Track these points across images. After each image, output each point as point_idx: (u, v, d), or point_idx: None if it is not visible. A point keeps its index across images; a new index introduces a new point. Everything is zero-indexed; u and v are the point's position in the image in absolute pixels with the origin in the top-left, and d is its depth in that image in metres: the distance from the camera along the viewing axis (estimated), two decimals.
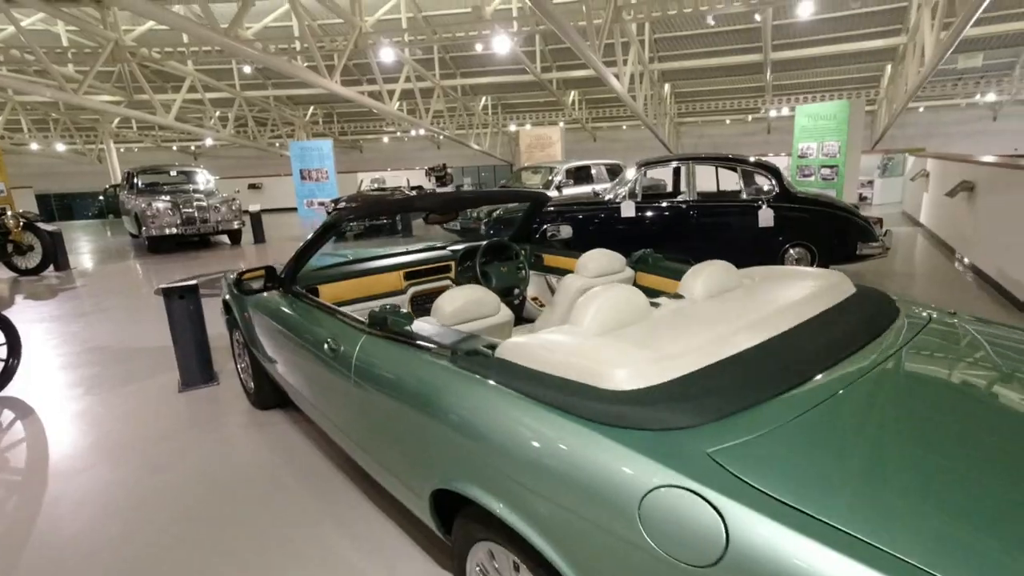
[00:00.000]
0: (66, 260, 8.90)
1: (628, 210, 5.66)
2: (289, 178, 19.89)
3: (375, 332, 1.85)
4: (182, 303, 3.68)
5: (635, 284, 2.71)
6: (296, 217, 16.29)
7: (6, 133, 19.45)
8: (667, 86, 21.01)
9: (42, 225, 8.54)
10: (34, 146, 20.84)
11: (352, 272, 2.96)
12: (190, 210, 9.98)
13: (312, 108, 23.33)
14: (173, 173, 11.20)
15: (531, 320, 3.47)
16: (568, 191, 9.72)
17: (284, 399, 3.24)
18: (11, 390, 3.85)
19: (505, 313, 2.14)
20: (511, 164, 29.34)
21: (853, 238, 5.37)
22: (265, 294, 2.73)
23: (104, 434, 3.16)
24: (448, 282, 3.30)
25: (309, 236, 2.51)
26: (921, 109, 23.07)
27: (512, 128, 24.70)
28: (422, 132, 24.44)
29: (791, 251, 5.52)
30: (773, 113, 20.72)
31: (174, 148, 26.26)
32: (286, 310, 2.48)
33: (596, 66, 8.84)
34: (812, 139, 9.53)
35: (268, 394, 3.24)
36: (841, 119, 8.99)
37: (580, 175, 10.14)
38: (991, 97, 20.29)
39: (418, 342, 1.67)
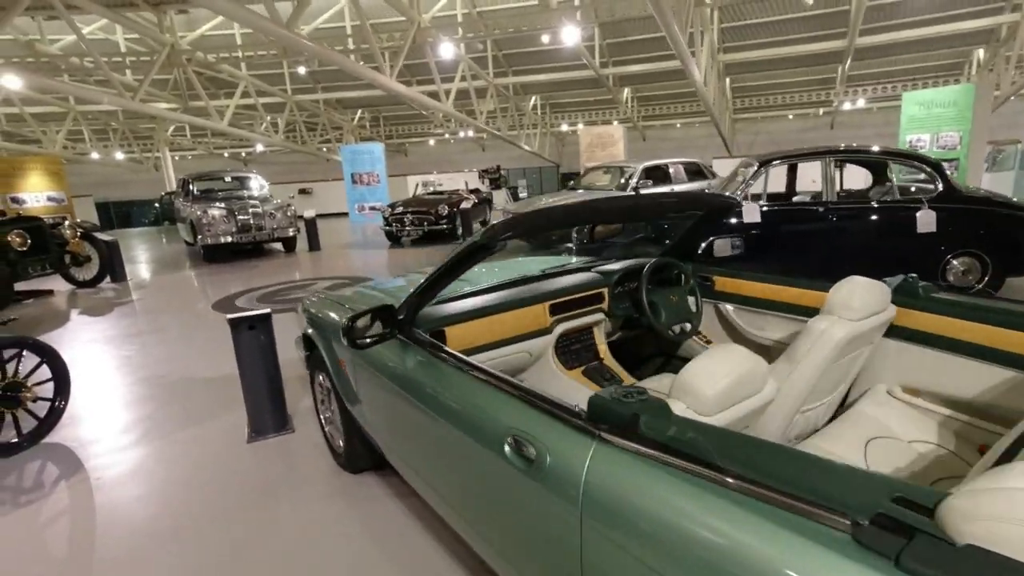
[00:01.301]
0: (123, 271, 8.59)
1: (752, 214, 4.79)
2: (339, 183, 19.68)
3: (615, 437, 1.09)
4: (251, 335, 3.05)
5: (895, 325, 1.90)
6: (347, 223, 15.93)
7: (68, 143, 19.86)
8: (727, 79, 19.81)
9: (99, 235, 8.25)
10: (95, 155, 21.27)
11: (482, 307, 2.23)
12: (245, 217, 9.59)
13: (360, 112, 23.12)
14: (228, 179, 10.89)
15: (684, 358, 2.68)
16: (646, 192, 8.86)
17: (381, 461, 2.55)
18: (56, 435, 3.31)
19: (771, 389, 1.37)
20: (557, 165, 28.60)
21: None
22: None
23: (163, 502, 2.54)
24: (601, 316, 2.55)
25: (445, 262, 1.80)
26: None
27: (564, 128, 23.92)
28: (470, 134, 23.92)
29: (954, 262, 4.55)
30: (848, 106, 19.23)
31: (226, 155, 26.55)
32: (412, 369, 1.77)
33: (683, 55, 7.97)
34: (924, 130, 8.40)
35: (362, 456, 2.56)
36: (964, 105, 7.84)
37: (656, 175, 9.26)
38: None
39: (725, 474, 0.91)
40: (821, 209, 4.70)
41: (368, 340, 1.79)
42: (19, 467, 2.95)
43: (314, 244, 10.61)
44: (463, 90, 13.78)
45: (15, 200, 13.09)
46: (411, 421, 1.80)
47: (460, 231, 10.50)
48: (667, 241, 3.00)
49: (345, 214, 17.00)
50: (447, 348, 1.73)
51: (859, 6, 10.66)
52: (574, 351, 2.48)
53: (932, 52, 16.73)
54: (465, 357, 1.65)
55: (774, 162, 4.89)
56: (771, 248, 4.81)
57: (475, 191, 12.67)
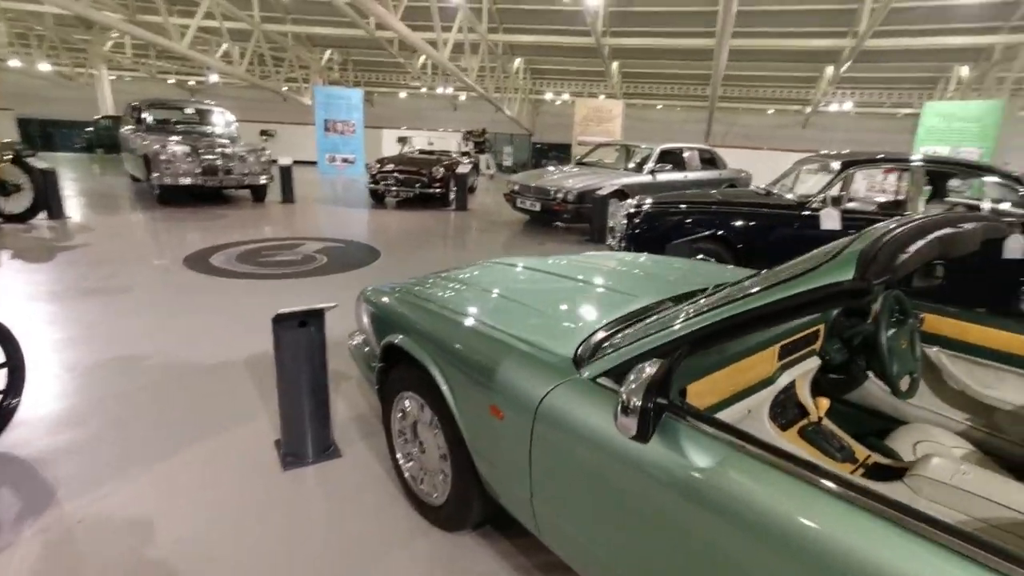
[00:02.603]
0: (60, 206, 7.29)
1: (831, 222, 4.34)
2: (303, 128, 18.08)
3: None
4: (301, 334, 2.29)
5: None
6: (314, 174, 14.59)
7: None
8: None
9: (33, 161, 6.90)
10: (13, 63, 18.52)
11: (725, 352, 1.60)
12: (212, 157, 8.37)
13: (329, 52, 21.27)
14: (189, 111, 9.52)
15: (883, 415, 2.17)
16: (662, 177, 8.35)
17: (496, 516, 1.92)
18: (6, 441, 2.45)
19: None
20: (530, 134, 27.69)
21: None
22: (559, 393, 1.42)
23: (189, 568, 1.80)
24: (816, 360, 1.97)
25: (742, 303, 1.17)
26: None
27: (549, 96, 22.98)
28: (449, 91, 22.56)
29: None
30: (835, 107, 19.33)
31: (170, 81, 23.92)
32: (695, 467, 1.13)
33: (723, 33, 7.36)
34: (943, 143, 8.27)
35: (472, 513, 1.91)
36: (989, 123, 7.71)
37: (670, 159, 8.74)
38: None
39: None
40: None
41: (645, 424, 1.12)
42: None
43: (288, 195, 9.48)
44: (458, 43, 12.68)
45: None
46: (663, 539, 1.18)
47: (453, 197, 9.64)
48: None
49: (309, 163, 15.62)
50: (783, 446, 1.10)
51: (864, 6, 10.33)
52: (778, 403, 1.90)
53: (913, 64, 16.90)
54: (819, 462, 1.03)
55: (860, 165, 4.43)
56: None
57: (466, 154, 11.77)
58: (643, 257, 3.00)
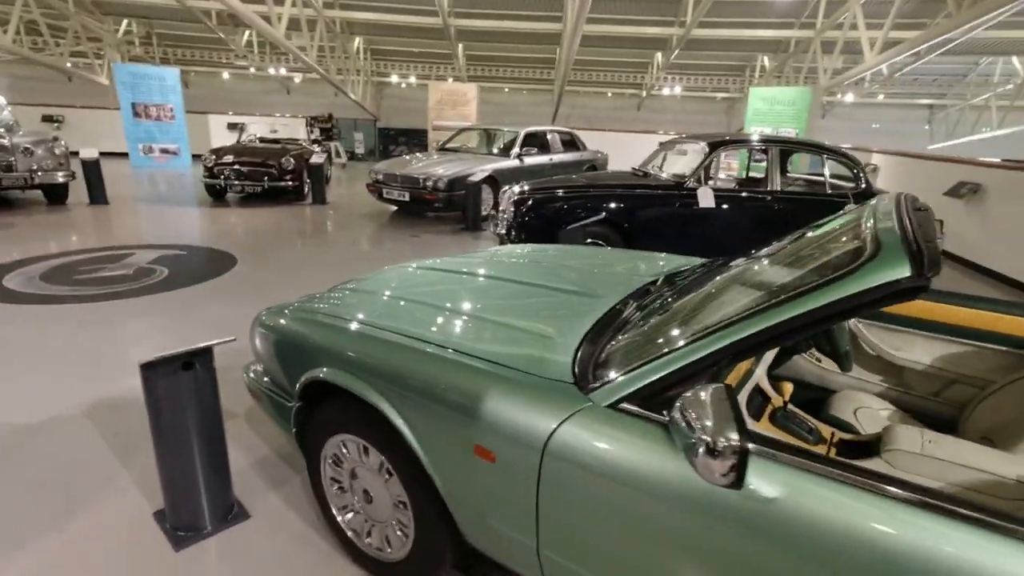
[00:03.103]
0: None
1: (707, 199, 4.61)
2: (102, 113, 15.31)
3: None
4: (185, 379, 1.79)
5: None
6: (126, 167, 12.38)
7: None
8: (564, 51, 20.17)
9: None
10: None
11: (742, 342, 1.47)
12: None
13: (126, 23, 18.19)
14: None
15: (815, 386, 2.27)
16: (529, 160, 8.38)
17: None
18: None
19: None
20: (375, 119, 26.51)
21: None
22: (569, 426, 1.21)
23: None
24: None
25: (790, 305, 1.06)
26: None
27: (394, 78, 22.07)
28: (282, 71, 20.61)
29: None
30: (667, 91, 21.10)
31: None
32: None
33: (578, 16, 7.50)
34: (767, 124, 9.38)
35: (447, 563, 1.63)
36: (801, 106, 8.90)
37: (534, 142, 8.81)
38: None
39: None
40: (769, 198, 4.73)
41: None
42: None
43: (98, 196, 7.87)
44: (292, 18, 11.49)
45: None
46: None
47: (308, 190, 8.77)
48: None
49: (117, 155, 13.25)
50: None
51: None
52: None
53: (729, 52, 19.06)
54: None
55: (727, 146, 4.76)
56: (722, 236, 4.70)
57: (316, 142, 10.77)
58: (553, 249, 2.85)
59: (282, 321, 1.94)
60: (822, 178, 4.90)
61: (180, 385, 1.80)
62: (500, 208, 5.17)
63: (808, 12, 13.22)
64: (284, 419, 1.93)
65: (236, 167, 8.10)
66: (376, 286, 2.21)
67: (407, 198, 7.38)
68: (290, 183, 8.27)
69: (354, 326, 1.75)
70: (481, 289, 2.10)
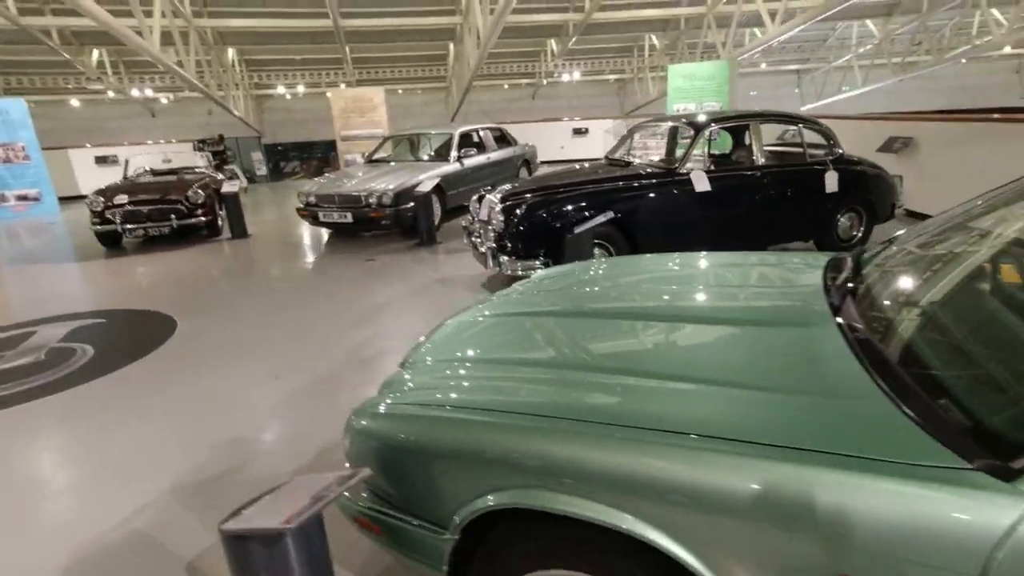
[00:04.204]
0: None
1: (701, 182, 4.42)
2: None
3: None
4: (288, 546, 1.21)
5: None
6: None
7: None
8: (452, 46, 19.66)
9: None
10: None
11: None
12: None
13: None
14: None
15: None
16: (469, 162, 7.89)
17: None
18: None
19: None
20: (259, 136, 24.54)
21: (891, 196, 5.17)
22: None
23: None
24: None
25: None
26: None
27: (280, 89, 20.43)
28: (148, 93, 18.40)
29: (842, 218, 5.04)
30: (566, 77, 21.23)
31: None
32: None
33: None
34: (689, 100, 9.52)
35: None
36: (721, 80, 9.10)
37: (468, 143, 8.32)
38: None
39: None
40: (758, 173, 4.62)
41: None
42: None
43: None
44: (164, 31, 10.04)
45: None
46: None
47: (223, 224, 7.66)
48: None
49: None
50: None
51: None
52: None
53: (618, 35, 19.47)
54: None
55: (720, 122, 4.60)
56: (718, 218, 4.54)
57: (217, 167, 9.54)
58: (625, 265, 2.46)
59: (406, 428, 1.40)
60: (799, 149, 4.89)
61: (285, 555, 1.21)
62: (480, 219, 4.68)
63: None
64: (425, 556, 1.40)
65: (133, 208, 6.88)
66: (487, 351, 1.72)
67: (349, 219, 6.63)
68: (202, 218, 7.18)
69: (535, 423, 1.26)
70: (641, 338, 1.66)
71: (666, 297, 1.95)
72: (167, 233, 7.03)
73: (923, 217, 6.41)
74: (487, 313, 2.03)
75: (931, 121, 6.29)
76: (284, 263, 6.28)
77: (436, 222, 6.95)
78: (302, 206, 7.00)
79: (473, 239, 4.96)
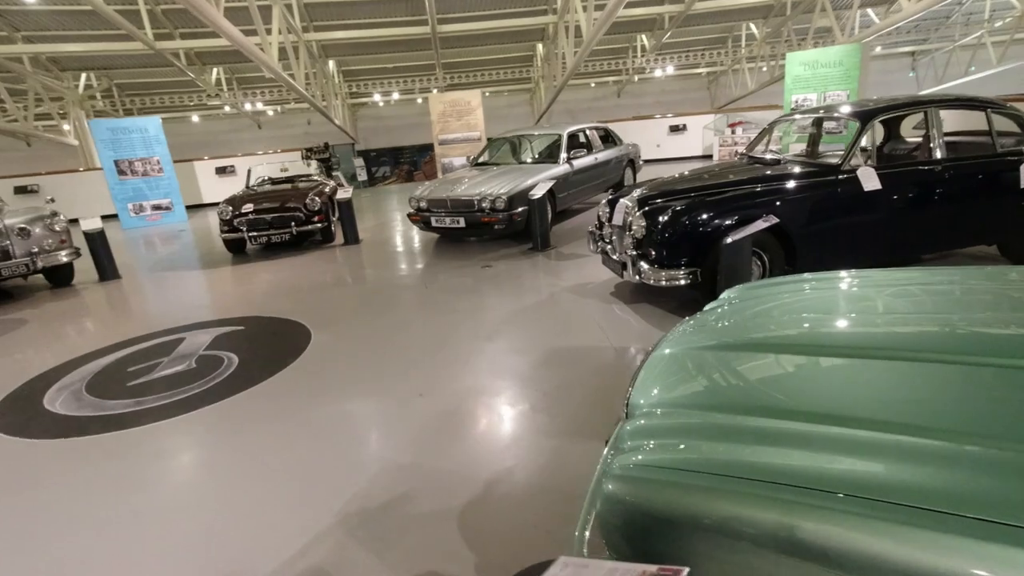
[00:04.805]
0: None
1: (870, 181, 3.89)
2: (75, 176, 14.19)
3: None
4: None
5: None
6: (116, 230, 11.34)
7: None
8: (541, 46, 19.47)
9: None
10: None
11: None
12: None
13: (85, 76, 17.03)
14: None
15: None
16: (578, 163, 7.62)
17: None
18: None
19: None
20: (353, 143, 25.57)
21: None
22: None
23: None
24: None
25: None
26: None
27: (376, 97, 21.18)
28: (258, 106, 19.63)
29: None
30: (659, 73, 20.53)
31: None
32: None
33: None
34: (810, 89, 8.74)
35: None
36: (851, 65, 8.26)
37: (576, 143, 8.07)
38: None
39: None
40: (939, 167, 4.02)
41: None
42: None
43: (108, 270, 6.93)
44: (279, 47, 10.57)
45: None
46: None
47: (335, 230, 7.89)
48: None
49: (114, 216, 12.19)
50: None
51: None
52: None
53: (711, 25, 18.48)
54: None
55: (886, 111, 4.06)
56: (893, 222, 3.99)
57: (327, 173, 9.90)
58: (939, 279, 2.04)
59: (692, 500, 1.14)
60: (985, 138, 4.22)
61: None
62: (614, 224, 4.39)
63: None
64: None
65: (258, 216, 7.20)
66: (723, 397, 1.44)
67: (462, 224, 6.58)
68: (318, 225, 7.41)
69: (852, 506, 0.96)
70: (918, 382, 1.32)
71: (934, 328, 1.58)
72: (287, 239, 7.30)
73: None
74: (701, 345, 1.75)
75: None
76: (399, 269, 6.31)
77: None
78: (413, 211, 7.04)
79: (602, 245, 4.69)
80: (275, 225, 7.23)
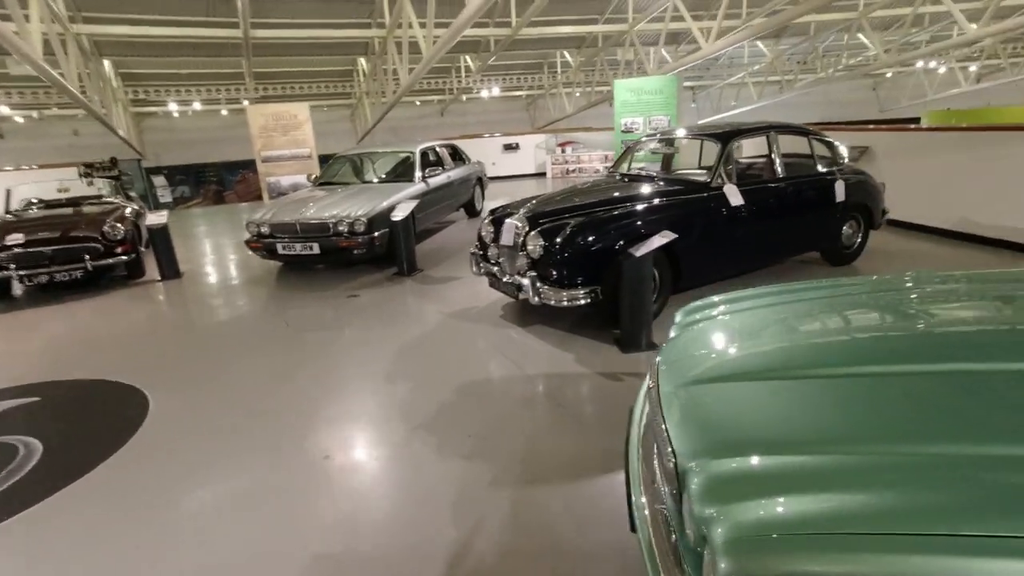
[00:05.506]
0: None
1: (735, 196, 4.26)
2: None
3: None
4: None
5: None
6: None
7: None
8: (363, 60, 18.77)
9: None
10: None
11: None
12: None
13: None
14: None
15: None
16: (433, 181, 7.32)
17: None
18: None
19: None
20: (139, 158, 21.99)
21: (881, 203, 5.38)
22: None
23: None
24: None
25: None
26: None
27: (172, 106, 18.37)
28: (3, 110, 15.70)
29: (844, 226, 5.14)
30: (484, 94, 21.00)
31: None
32: None
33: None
34: (637, 113, 9.62)
35: None
36: (668, 94, 9.27)
37: (428, 160, 7.77)
38: None
39: None
40: (783, 184, 4.57)
41: None
42: None
43: None
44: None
45: None
46: None
47: (147, 264, 6.44)
48: None
49: None
50: None
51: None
52: None
53: (528, 51, 19.61)
54: None
55: (742, 135, 4.49)
56: (748, 232, 4.41)
57: (124, 195, 8.11)
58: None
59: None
60: (807, 159, 4.93)
61: None
62: (503, 244, 4.20)
63: (612, 8, 14.14)
64: None
65: (33, 248, 5.57)
66: (826, 430, 1.30)
67: (315, 250, 5.83)
68: (123, 258, 5.99)
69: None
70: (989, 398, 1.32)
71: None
72: (80, 277, 5.76)
73: (902, 225, 6.76)
74: (717, 376, 1.60)
75: (880, 131, 6.72)
76: (245, 306, 5.35)
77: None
78: (252, 237, 6.07)
79: (487, 267, 4.45)
80: (58, 260, 5.65)
